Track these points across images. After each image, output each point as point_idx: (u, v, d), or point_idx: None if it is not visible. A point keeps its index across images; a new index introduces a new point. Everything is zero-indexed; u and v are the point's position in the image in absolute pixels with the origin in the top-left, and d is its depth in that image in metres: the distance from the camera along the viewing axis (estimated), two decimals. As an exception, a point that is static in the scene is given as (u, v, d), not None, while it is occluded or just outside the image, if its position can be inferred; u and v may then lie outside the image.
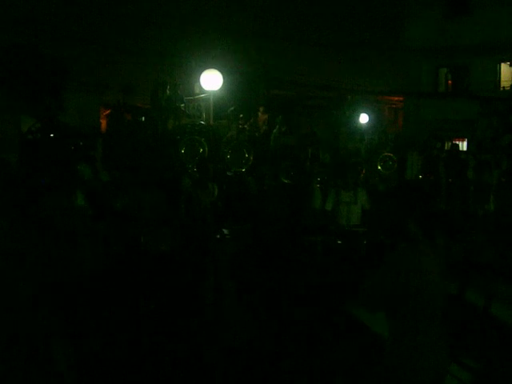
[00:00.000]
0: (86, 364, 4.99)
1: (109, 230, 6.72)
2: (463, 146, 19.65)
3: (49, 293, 5.60)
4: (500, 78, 20.94)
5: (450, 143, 15.93)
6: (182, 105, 11.79)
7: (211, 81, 11.41)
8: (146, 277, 6.34)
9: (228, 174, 8.83)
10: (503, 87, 20.82)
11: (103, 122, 13.45)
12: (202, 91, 12.19)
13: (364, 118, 17.01)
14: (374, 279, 2.79)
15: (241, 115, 11.89)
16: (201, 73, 11.67)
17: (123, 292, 6.10)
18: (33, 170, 8.01)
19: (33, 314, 5.26)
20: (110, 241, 6.61)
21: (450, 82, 21.83)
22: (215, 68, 11.62)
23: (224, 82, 11.48)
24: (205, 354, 5.43)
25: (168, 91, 11.67)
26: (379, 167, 9.93)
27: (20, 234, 6.16)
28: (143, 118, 12.79)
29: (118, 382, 4.84)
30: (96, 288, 5.94)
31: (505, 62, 20.82)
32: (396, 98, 23.05)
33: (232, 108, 12.32)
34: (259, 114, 13.07)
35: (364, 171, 10.24)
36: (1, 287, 5.06)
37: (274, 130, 12.33)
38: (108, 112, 13.21)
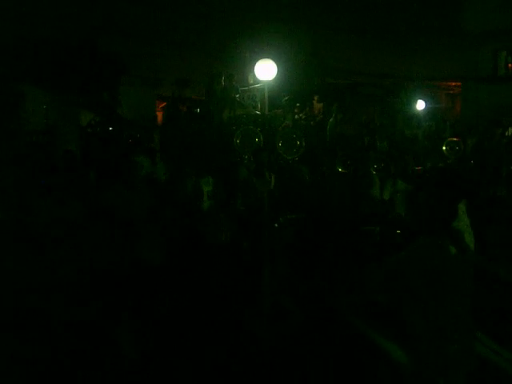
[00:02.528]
0: (150, 349, 5.13)
1: (169, 220, 6.83)
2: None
3: (112, 280, 5.76)
4: None
5: (511, 129, 15.38)
6: (237, 95, 11.83)
7: (266, 71, 11.36)
8: (204, 265, 6.43)
9: (280, 162, 8.81)
10: None
11: (159, 115, 13.66)
12: (257, 81, 12.19)
13: (421, 105, 16.64)
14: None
15: (297, 104, 11.85)
16: (255, 63, 11.66)
17: (182, 280, 6.20)
18: (93, 162, 8.23)
19: (98, 300, 5.43)
20: (171, 231, 6.73)
21: (510, 65, 21.01)
22: (269, 58, 11.59)
23: (278, 72, 11.43)
24: (260, 341, 5.47)
25: (223, 82, 11.74)
26: (445, 152, 9.65)
27: (84, 222, 6.35)
28: (198, 110, 12.91)
29: (180, 367, 4.91)
30: (157, 276, 6.07)
31: None
32: (453, 84, 22.38)
33: (286, 98, 12.27)
34: (314, 102, 12.98)
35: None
36: (65, 274, 5.24)
37: (330, 119, 12.23)
38: (164, 105, 13.42)
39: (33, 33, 12.01)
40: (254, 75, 11.92)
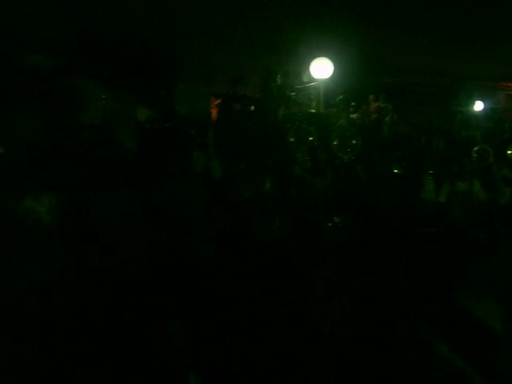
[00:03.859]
0: (201, 343, 5.16)
1: (223, 216, 6.87)
2: None
3: (164, 274, 5.83)
4: None
5: None
6: (293, 93, 11.82)
7: (321, 69, 11.34)
8: (255, 263, 6.43)
9: (336, 161, 8.75)
10: None
11: (213, 112, 13.73)
12: (312, 79, 12.13)
13: (479, 105, 16.19)
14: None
15: (352, 103, 11.75)
16: (310, 61, 11.62)
17: (233, 277, 6.21)
18: (150, 157, 8.35)
19: (152, 293, 5.50)
20: (223, 227, 6.77)
21: None
22: (325, 56, 11.53)
23: (334, 70, 11.38)
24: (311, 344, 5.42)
25: (279, 80, 11.74)
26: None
27: (141, 218, 6.44)
28: (252, 107, 12.93)
29: (229, 362, 4.92)
30: (209, 272, 6.11)
31: None
32: (512, 84, 21.68)
33: (340, 96, 12.16)
34: (370, 101, 12.82)
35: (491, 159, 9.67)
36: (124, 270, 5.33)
37: (386, 119, 12.07)
38: (218, 102, 13.47)
39: (91, 29, 12.27)
40: (309, 73, 11.88)
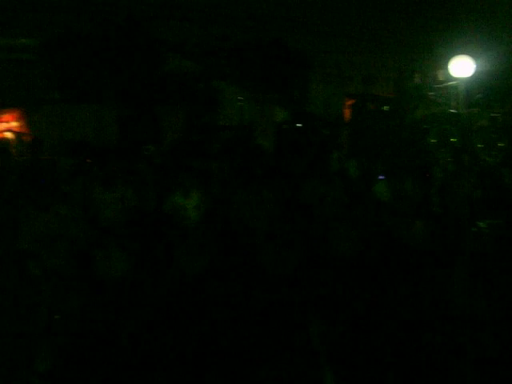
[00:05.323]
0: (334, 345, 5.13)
1: (363, 217, 6.80)
2: None
3: (306, 273, 5.88)
4: None
5: None
6: (431, 93, 11.45)
7: (461, 67, 10.87)
8: (395, 265, 6.30)
9: (481, 164, 8.35)
10: None
11: (347, 112, 13.67)
12: (448, 78, 11.68)
13: None
14: None
15: (494, 103, 11.15)
16: (448, 60, 11.19)
17: (372, 278, 6.11)
18: (288, 157, 8.49)
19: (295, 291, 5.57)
20: (361, 227, 6.69)
21: None
22: (466, 54, 11.05)
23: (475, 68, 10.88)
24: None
25: (416, 79, 11.43)
26: None
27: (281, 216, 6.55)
28: (386, 107, 12.71)
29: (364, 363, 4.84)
30: (349, 272, 6.08)
31: None
32: None
33: (479, 95, 11.60)
34: (514, 100, 12.09)
35: None
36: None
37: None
38: (351, 102, 13.40)
39: (228, 33, 12.71)
40: (445, 72, 11.45)
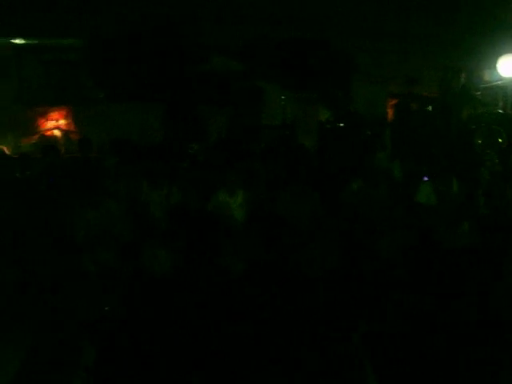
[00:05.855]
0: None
1: (405, 219, 6.75)
2: None
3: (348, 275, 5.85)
4: None
5: None
6: (478, 93, 11.23)
7: (510, 67, 10.63)
8: (439, 269, 6.21)
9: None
10: None
11: (390, 112, 13.52)
12: (495, 78, 11.44)
13: None
14: None
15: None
16: (495, 58, 10.96)
17: (414, 281, 6.05)
18: (331, 157, 8.48)
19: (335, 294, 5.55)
20: (405, 230, 6.63)
21: None
22: (515, 52, 10.81)
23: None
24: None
25: (462, 79, 11.23)
26: None
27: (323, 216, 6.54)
28: (430, 107, 12.53)
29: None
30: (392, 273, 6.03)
31: None
32: None
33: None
34: None
35: None
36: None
37: None
38: (394, 102, 13.24)
39: (271, 33, 12.71)
40: (493, 71, 11.20)
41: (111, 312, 4.99)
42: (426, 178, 7.43)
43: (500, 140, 8.14)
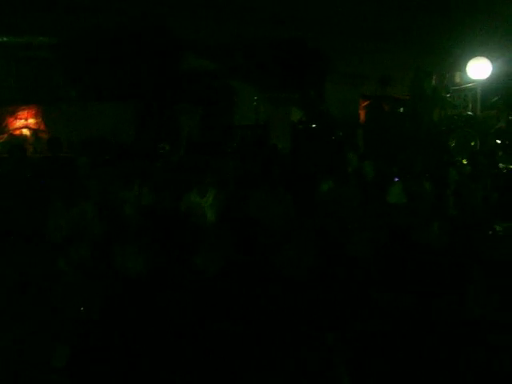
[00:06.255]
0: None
1: (377, 218, 6.79)
2: None
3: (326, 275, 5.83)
4: None
5: None
6: (448, 95, 11.40)
7: (479, 69, 10.85)
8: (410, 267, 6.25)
9: (500, 166, 8.28)
10: None
11: (362, 113, 13.65)
12: (465, 80, 11.64)
13: None
14: None
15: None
16: (465, 61, 11.17)
17: (387, 280, 6.07)
18: (304, 157, 8.50)
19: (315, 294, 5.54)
20: (379, 229, 6.67)
21: None
22: (483, 56, 11.02)
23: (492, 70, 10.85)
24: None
25: (433, 81, 11.39)
26: None
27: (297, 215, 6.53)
28: (401, 109, 12.68)
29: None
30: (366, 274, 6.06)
31: None
32: None
33: (496, 98, 11.51)
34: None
35: None
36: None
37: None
38: (366, 103, 13.37)
39: (242, 32, 12.70)
40: (462, 74, 11.41)
41: (86, 312, 4.94)
42: (396, 179, 7.50)
43: (472, 143, 8.26)
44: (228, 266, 5.85)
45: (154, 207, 6.43)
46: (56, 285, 5.14)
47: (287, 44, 12.66)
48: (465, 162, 7.83)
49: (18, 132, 10.87)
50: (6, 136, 10.68)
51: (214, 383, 4.40)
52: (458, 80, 12.21)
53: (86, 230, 5.41)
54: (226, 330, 4.93)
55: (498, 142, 9.59)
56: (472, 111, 11.02)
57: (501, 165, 7.97)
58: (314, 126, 10.49)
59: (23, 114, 10.98)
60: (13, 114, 11.00)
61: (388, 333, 5.13)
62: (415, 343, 4.94)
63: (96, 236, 5.50)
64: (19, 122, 10.95)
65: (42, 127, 10.98)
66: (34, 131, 10.90)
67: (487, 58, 11.01)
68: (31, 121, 10.99)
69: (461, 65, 11.65)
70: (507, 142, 8.66)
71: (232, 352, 4.69)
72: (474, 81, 11.16)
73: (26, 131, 10.92)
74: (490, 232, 6.78)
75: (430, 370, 4.58)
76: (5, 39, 12.06)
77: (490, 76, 11.07)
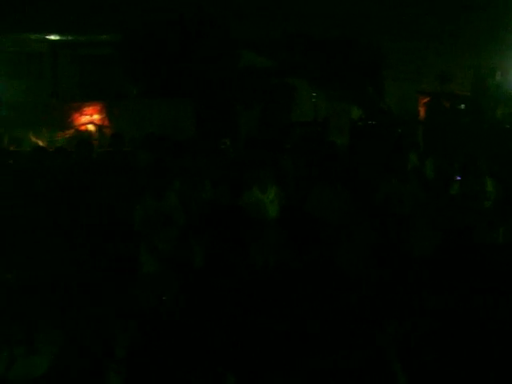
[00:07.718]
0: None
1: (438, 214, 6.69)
2: None
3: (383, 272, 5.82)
4: None
5: None
6: (513, 91, 11.10)
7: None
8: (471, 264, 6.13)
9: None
10: None
11: (421, 110, 13.43)
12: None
13: None
14: None
15: None
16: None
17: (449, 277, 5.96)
18: (362, 155, 8.45)
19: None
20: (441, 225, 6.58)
21: None
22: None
23: None
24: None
25: (498, 77, 11.09)
26: None
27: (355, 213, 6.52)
28: (462, 106, 12.41)
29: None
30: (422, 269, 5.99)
31: None
32: None
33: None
34: None
35: None
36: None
37: None
38: (426, 100, 13.14)
39: (301, 30, 12.71)
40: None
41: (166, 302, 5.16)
42: (458, 178, 7.36)
43: (536, 140, 7.99)
44: (287, 262, 5.93)
45: (214, 202, 6.53)
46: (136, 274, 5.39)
47: (344, 42, 12.61)
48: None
49: (83, 127, 11.23)
50: (72, 131, 11.07)
51: (273, 375, 4.47)
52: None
53: (171, 221, 5.68)
54: (278, 328, 4.99)
55: None
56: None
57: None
58: (373, 123, 10.41)
59: (88, 110, 11.34)
60: (78, 110, 11.38)
61: (442, 334, 5.08)
62: (468, 344, 4.88)
63: (180, 227, 5.71)
64: (85, 118, 11.31)
65: (106, 123, 11.31)
66: (99, 127, 11.24)
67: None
68: (96, 117, 11.35)
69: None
70: None
71: (283, 350, 4.74)
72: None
73: (91, 127, 11.28)
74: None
75: (482, 371, 4.51)
76: (69, 38, 12.47)
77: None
